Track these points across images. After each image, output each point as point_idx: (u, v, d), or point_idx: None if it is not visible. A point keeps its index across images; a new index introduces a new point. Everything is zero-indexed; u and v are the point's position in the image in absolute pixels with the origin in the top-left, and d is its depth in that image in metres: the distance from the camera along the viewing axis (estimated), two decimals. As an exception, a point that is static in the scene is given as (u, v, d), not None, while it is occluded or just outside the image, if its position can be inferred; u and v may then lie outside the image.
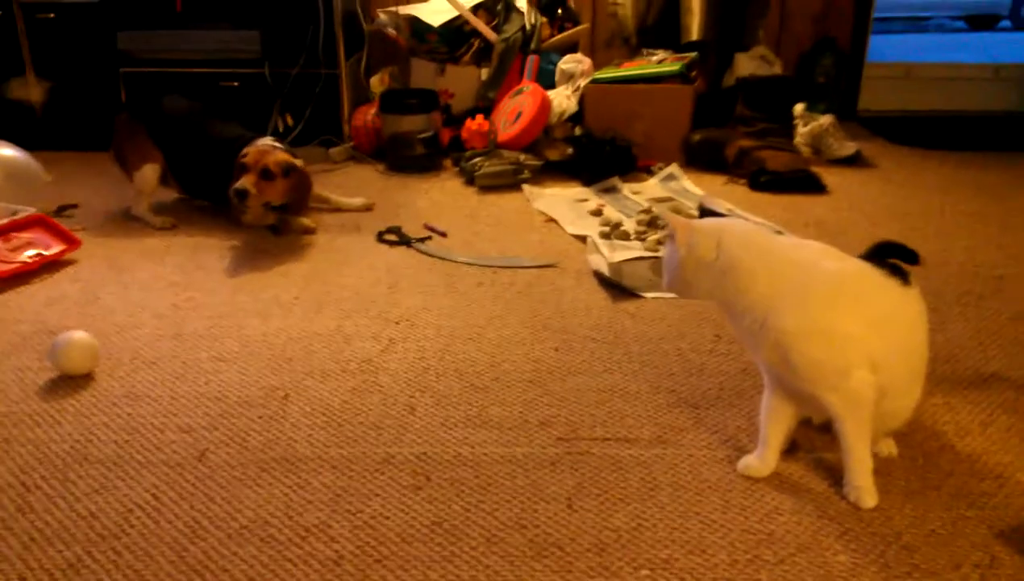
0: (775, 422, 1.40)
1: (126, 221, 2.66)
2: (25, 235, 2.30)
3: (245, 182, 2.36)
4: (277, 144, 2.49)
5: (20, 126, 3.21)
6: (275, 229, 2.55)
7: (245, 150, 2.42)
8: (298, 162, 2.47)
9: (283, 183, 2.43)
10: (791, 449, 1.46)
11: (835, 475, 1.40)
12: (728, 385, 1.71)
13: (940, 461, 1.46)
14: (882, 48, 4.30)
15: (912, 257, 1.40)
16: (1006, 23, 9.46)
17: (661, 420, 1.58)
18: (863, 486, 1.33)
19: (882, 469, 1.40)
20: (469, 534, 1.27)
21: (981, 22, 9.52)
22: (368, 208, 2.75)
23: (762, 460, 1.41)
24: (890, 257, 1.39)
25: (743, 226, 1.37)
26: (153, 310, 2.03)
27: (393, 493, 1.37)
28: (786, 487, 1.39)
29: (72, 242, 2.37)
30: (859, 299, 1.31)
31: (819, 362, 1.29)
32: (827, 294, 1.30)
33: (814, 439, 1.50)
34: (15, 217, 2.33)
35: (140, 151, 2.61)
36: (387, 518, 1.31)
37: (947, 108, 4.28)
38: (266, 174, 2.39)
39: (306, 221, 2.56)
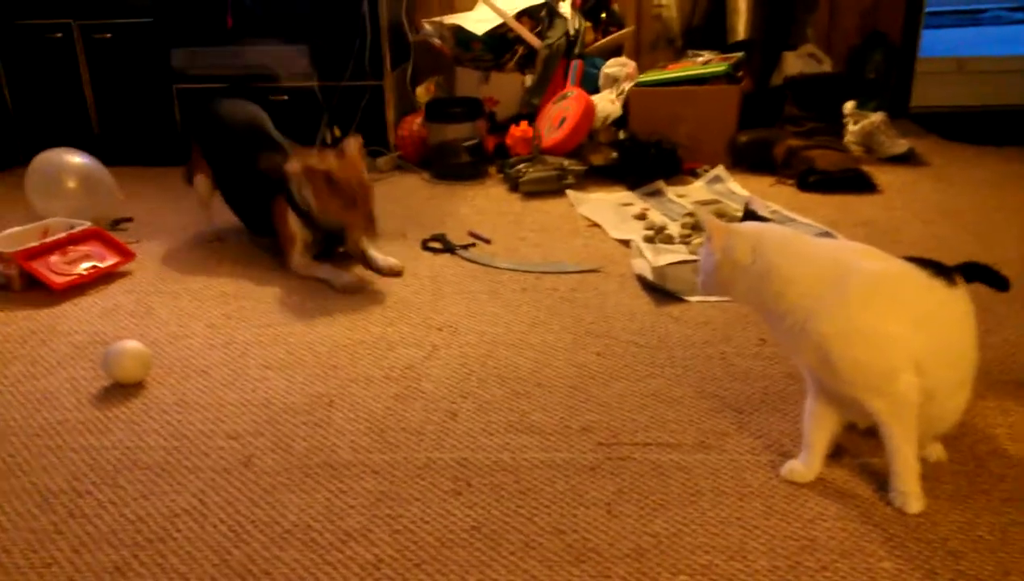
0: (819, 427, 1.38)
1: (179, 234, 2.73)
2: (81, 248, 2.37)
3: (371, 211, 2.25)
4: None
5: (78, 141, 3.31)
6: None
7: (329, 170, 2.22)
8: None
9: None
10: (836, 454, 1.43)
11: (880, 480, 1.37)
12: (772, 389, 1.68)
13: (991, 465, 1.42)
14: (934, 43, 4.20)
15: (1001, 283, 1.38)
16: (1068, 13, 9.15)
17: (704, 425, 1.57)
18: (909, 491, 1.31)
19: (930, 474, 1.36)
20: (508, 539, 1.28)
21: (1040, 14, 9.22)
22: (398, 273, 2.36)
23: (806, 465, 1.39)
24: (977, 280, 1.37)
25: (780, 230, 1.36)
26: (204, 320, 2.08)
27: (433, 498, 1.38)
28: (830, 492, 1.36)
29: (126, 254, 2.44)
30: (901, 299, 1.28)
31: (861, 365, 1.26)
32: (867, 295, 1.27)
33: (859, 443, 1.47)
34: (72, 231, 2.40)
35: (196, 164, 2.65)
36: (426, 523, 1.32)
37: (1001, 103, 4.16)
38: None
39: (392, 261, 2.40)
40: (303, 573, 1.22)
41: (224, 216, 2.68)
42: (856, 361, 1.26)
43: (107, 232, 2.49)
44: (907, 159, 3.29)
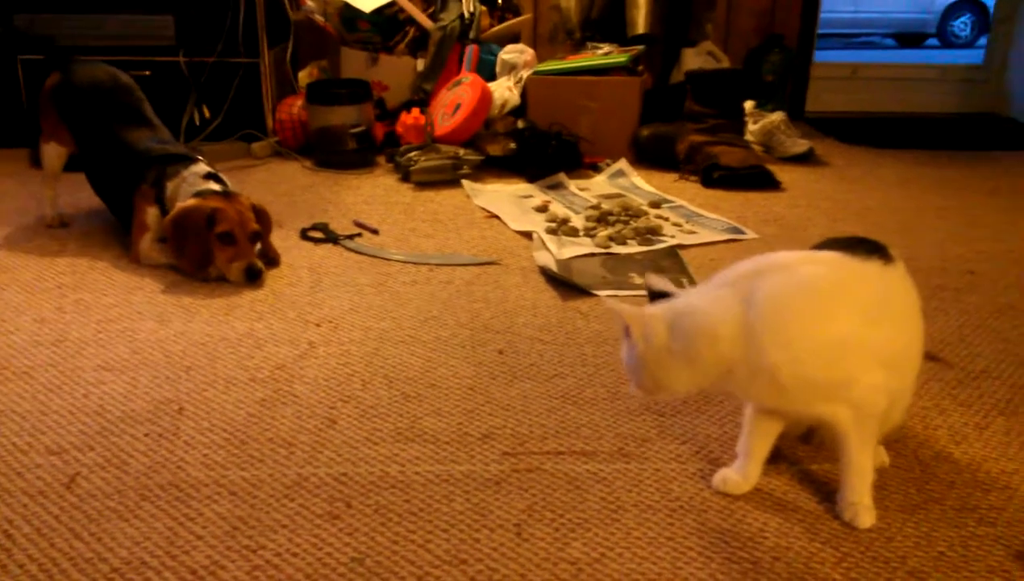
0: (760, 432, 1.19)
1: (15, 219, 2.37)
2: None
3: (254, 260, 1.95)
4: (210, 169, 2.07)
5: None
6: (255, 275, 1.95)
7: (198, 208, 1.93)
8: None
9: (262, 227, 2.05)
10: (772, 459, 1.25)
11: (824, 490, 1.21)
12: (695, 389, 1.51)
13: (938, 471, 1.28)
14: (821, 57, 4.22)
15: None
16: (934, 41, 9.62)
17: (622, 430, 1.37)
18: (861, 502, 1.14)
19: (875, 482, 1.20)
20: (396, 572, 1.04)
21: (909, 40, 9.67)
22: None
23: (742, 474, 1.21)
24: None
25: (686, 293, 1.15)
26: (34, 314, 1.76)
27: (303, 524, 1.13)
28: (769, 505, 1.19)
29: (-53, 240, 2.08)
30: (843, 294, 1.11)
31: (818, 382, 1.08)
32: (805, 302, 1.09)
33: (797, 448, 1.30)
34: None
35: (48, 125, 2.27)
36: (295, 555, 1.07)
37: (895, 109, 4.20)
38: (256, 237, 2.00)
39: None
40: (130, 626, 0.95)
41: (70, 197, 2.34)
42: (811, 380, 1.07)
43: (-78, 213, 2.12)
44: (807, 159, 3.23)
